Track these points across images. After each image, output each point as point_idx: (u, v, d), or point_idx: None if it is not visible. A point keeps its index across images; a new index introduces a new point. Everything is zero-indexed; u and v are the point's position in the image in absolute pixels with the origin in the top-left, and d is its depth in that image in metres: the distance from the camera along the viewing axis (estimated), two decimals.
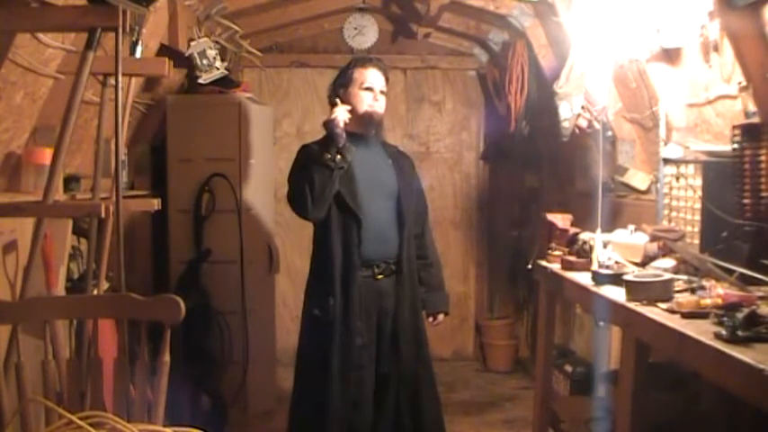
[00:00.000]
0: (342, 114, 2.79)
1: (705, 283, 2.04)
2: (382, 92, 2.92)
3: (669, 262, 2.31)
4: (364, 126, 2.91)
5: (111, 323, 2.68)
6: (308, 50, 5.20)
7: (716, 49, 2.36)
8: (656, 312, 1.89)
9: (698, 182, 2.44)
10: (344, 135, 2.75)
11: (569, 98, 3.42)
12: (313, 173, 2.72)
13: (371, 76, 2.90)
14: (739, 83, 2.30)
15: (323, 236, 2.85)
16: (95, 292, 2.43)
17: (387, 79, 2.97)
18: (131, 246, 4.02)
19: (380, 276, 2.85)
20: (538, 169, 5.03)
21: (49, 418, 1.98)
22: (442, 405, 3.03)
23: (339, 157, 2.73)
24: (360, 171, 2.84)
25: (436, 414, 2.95)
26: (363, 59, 3.00)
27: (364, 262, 2.81)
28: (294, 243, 5.20)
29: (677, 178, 2.59)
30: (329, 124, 2.77)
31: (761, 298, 1.85)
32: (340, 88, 2.92)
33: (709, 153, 2.51)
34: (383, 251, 2.85)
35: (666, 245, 2.37)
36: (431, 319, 3.07)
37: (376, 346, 2.84)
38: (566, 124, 3.48)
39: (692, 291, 1.99)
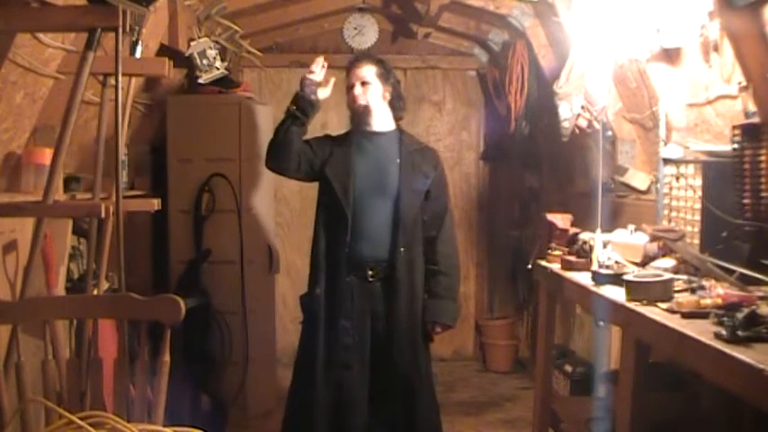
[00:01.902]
0: (318, 70, 2.94)
1: (705, 283, 2.03)
2: (364, 82, 2.94)
3: (669, 262, 2.31)
4: (363, 122, 2.95)
5: (111, 323, 2.68)
6: (308, 50, 5.19)
7: (716, 49, 2.36)
8: (656, 312, 1.89)
9: (698, 182, 2.43)
10: (312, 89, 2.91)
11: (569, 98, 3.42)
12: (276, 127, 2.95)
13: (351, 74, 2.97)
14: (739, 83, 2.30)
15: (316, 228, 2.90)
16: (95, 292, 2.43)
17: (378, 66, 2.98)
18: (131, 246, 4.01)
19: (373, 278, 2.83)
20: (538, 169, 5.03)
21: (49, 418, 1.98)
22: (440, 411, 3.00)
23: (294, 107, 2.88)
24: (360, 168, 2.85)
25: (434, 427, 2.92)
26: (349, 62, 3.06)
27: (356, 262, 2.80)
28: (294, 243, 5.20)
29: (677, 178, 2.59)
30: (303, 79, 2.95)
31: (761, 298, 1.85)
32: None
33: (710, 153, 2.51)
34: (374, 253, 2.82)
35: (666, 245, 2.37)
36: (429, 328, 2.92)
37: (370, 349, 2.82)
38: (566, 124, 3.48)
39: (692, 291, 1.98)
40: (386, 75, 2.98)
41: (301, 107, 2.88)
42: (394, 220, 2.84)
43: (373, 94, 2.95)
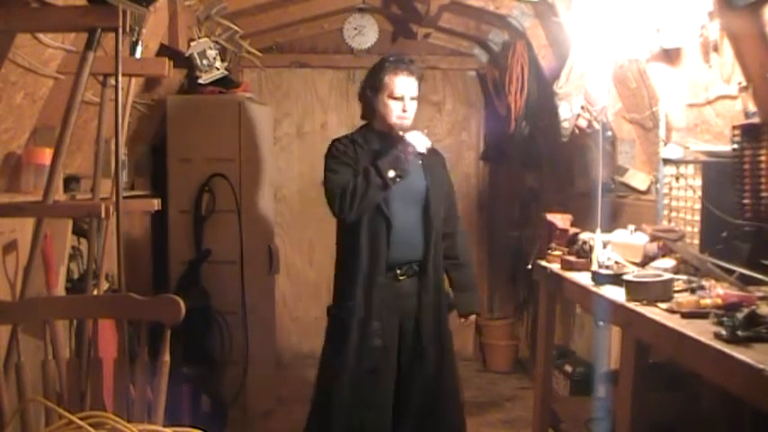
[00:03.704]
0: (420, 144, 2.70)
1: (705, 283, 2.03)
2: (413, 98, 2.78)
3: (669, 262, 2.31)
4: (395, 133, 2.81)
5: (111, 323, 2.68)
6: (308, 50, 5.20)
7: (716, 49, 2.36)
8: (656, 312, 1.89)
9: (698, 182, 2.43)
10: (410, 159, 2.68)
11: (569, 98, 3.42)
12: (365, 182, 2.65)
13: (402, 84, 2.74)
14: (739, 83, 2.30)
15: (351, 238, 2.77)
16: (95, 292, 2.43)
17: (421, 79, 2.82)
18: (131, 246, 4.02)
19: (403, 278, 2.81)
20: (538, 169, 5.03)
21: (49, 418, 1.98)
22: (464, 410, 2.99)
23: (399, 178, 2.66)
24: None
25: (458, 426, 2.91)
26: (395, 64, 2.78)
27: (390, 265, 2.77)
28: (294, 243, 5.20)
29: (677, 178, 2.59)
30: (403, 147, 2.66)
31: (761, 298, 1.85)
32: (369, 91, 2.82)
33: (709, 153, 2.51)
34: (409, 254, 2.79)
35: (666, 245, 2.37)
36: (462, 319, 3.04)
37: (398, 348, 2.80)
38: (566, 124, 3.49)
39: (692, 291, 1.98)
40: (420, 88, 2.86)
41: (403, 177, 2.67)
42: (425, 221, 2.82)
43: (414, 109, 2.82)
